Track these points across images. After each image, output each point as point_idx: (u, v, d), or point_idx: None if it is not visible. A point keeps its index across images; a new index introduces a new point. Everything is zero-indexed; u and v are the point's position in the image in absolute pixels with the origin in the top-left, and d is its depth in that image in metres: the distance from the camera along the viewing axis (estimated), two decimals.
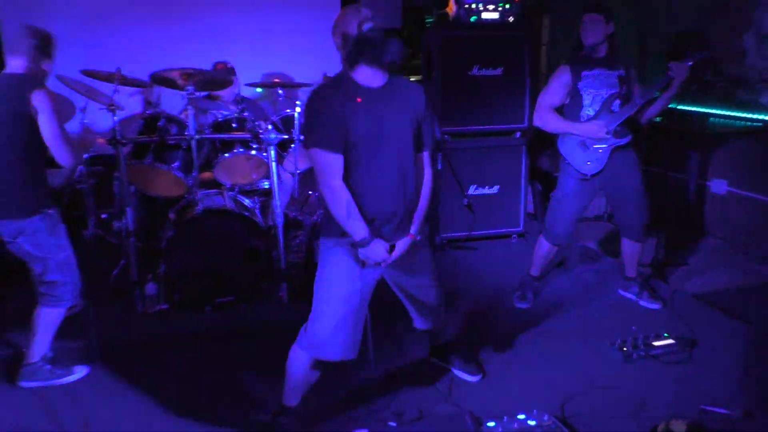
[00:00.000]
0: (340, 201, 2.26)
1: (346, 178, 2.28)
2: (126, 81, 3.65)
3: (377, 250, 2.32)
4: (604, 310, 3.64)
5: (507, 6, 4.40)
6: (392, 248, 2.38)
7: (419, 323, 2.80)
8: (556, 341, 3.30)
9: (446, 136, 4.48)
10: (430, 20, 4.84)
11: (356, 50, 2.23)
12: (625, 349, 3.07)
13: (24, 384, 2.86)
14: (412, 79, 5.03)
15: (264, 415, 2.66)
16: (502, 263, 4.42)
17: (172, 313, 3.49)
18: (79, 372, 2.97)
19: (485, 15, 4.38)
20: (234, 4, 4.67)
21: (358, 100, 2.24)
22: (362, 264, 2.37)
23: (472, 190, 4.62)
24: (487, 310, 3.70)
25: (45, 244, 2.75)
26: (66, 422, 2.66)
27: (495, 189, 4.68)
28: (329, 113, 2.23)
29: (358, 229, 2.28)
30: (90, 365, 3.01)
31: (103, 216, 4.21)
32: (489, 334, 3.38)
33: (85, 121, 3.87)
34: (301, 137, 3.83)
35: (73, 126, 4.30)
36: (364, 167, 2.29)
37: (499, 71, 4.49)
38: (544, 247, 3.67)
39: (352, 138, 2.23)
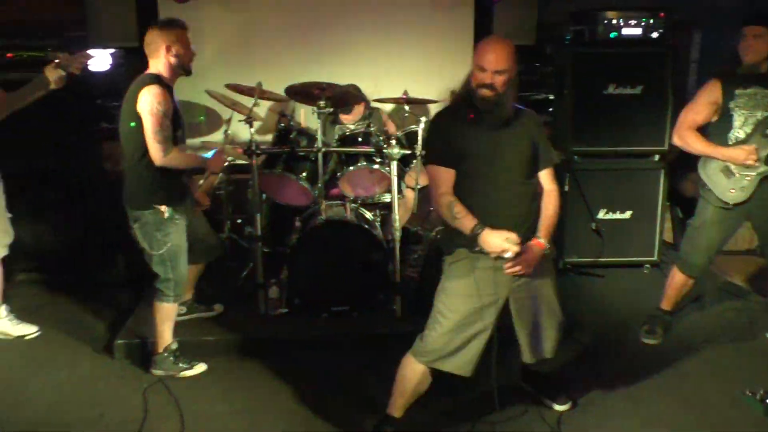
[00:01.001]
0: (447, 204, 2.39)
1: (460, 192, 2.42)
2: (264, 94, 3.88)
3: (492, 238, 2.31)
4: (745, 354, 3.29)
5: (651, 21, 4.15)
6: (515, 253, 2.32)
7: (528, 356, 2.66)
8: (686, 384, 3.03)
9: (575, 156, 4.30)
10: (568, 38, 4.68)
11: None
12: None
13: (153, 371, 3.12)
14: (541, 96, 4.96)
15: (368, 422, 2.69)
16: (631, 294, 4.14)
17: (291, 317, 3.63)
18: (200, 368, 3.18)
19: (626, 31, 4.16)
20: (366, 22, 4.81)
21: (470, 116, 2.40)
22: (481, 284, 2.41)
23: (601, 214, 4.38)
24: (610, 342, 3.48)
25: (150, 237, 2.97)
26: (185, 413, 2.86)
27: (627, 214, 4.40)
28: (446, 132, 2.46)
29: (466, 222, 2.35)
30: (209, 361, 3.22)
31: (238, 221, 4.49)
32: (609, 368, 3.18)
33: (228, 131, 4.17)
34: (423, 153, 3.86)
35: (217, 136, 4.71)
36: (478, 183, 2.42)
37: (638, 90, 4.23)
38: (677, 279, 3.38)
39: (466, 156, 2.40)
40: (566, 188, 4.26)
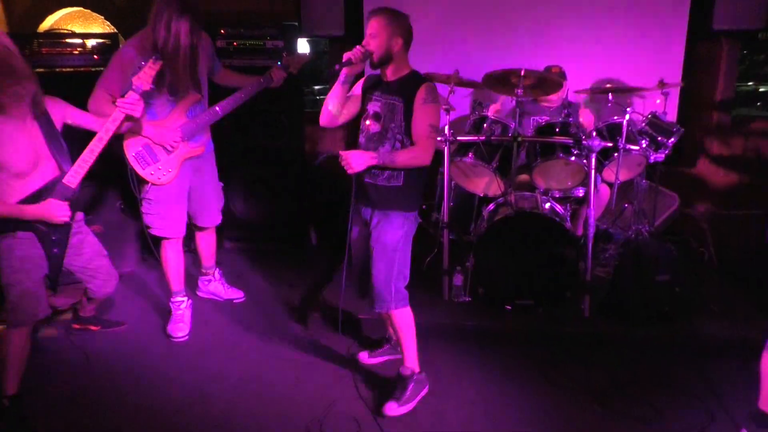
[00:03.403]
0: None
1: None
2: (461, 82, 3.89)
3: None
4: None
5: None
6: None
7: None
8: None
9: None
10: None
11: None
12: None
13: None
14: (762, 89, 4.39)
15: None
16: None
17: (474, 306, 3.63)
18: None
19: None
20: (569, 7, 4.59)
21: None
22: None
23: None
24: None
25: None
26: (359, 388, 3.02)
27: None
28: None
29: None
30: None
31: (423, 207, 4.57)
32: None
33: None
34: (628, 147, 3.62)
35: None
36: None
37: None
38: None
39: None
40: None
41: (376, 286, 2.78)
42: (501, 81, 3.70)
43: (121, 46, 3.70)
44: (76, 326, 3.51)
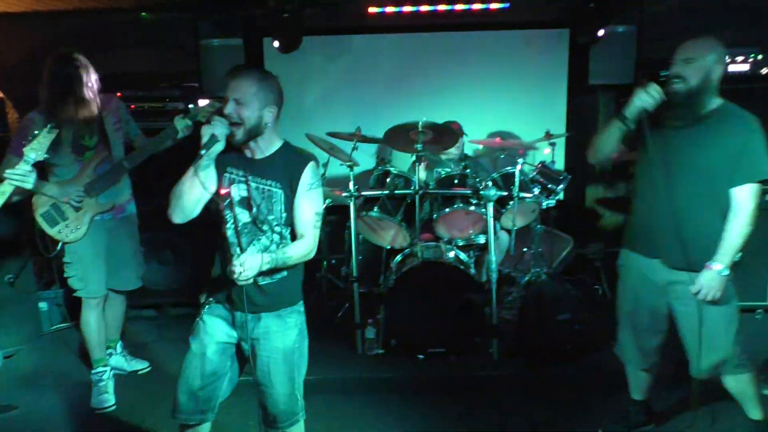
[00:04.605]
0: None
1: None
2: (364, 139, 4.01)
3: None
4: None
5: (759, 57, 3.99)
6: None
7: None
8: None
9: None
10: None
11: None
12: None
13: None
14: None
15: None
16: (744, 339, 3.88)
17: (387, 357, 3.67)
18: None
19: (733, 67, 4.02)
20: (465, 68, 4.90)
21: None
22: None
23: None
24: (723, 392, 3.27)
25: None
26: None
27: (737, 257, 4.16)
28: None
29: None
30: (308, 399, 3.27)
31: (333, 261, 4.61)
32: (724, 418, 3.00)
33: (325, 174, 4.33)
34: (521, 195, 3.84)
35: None
36: None
37: None
38: None
39: None
40: None
41: (281, 402, 2.36)
42: (401, 136, 3.86)
43: (7, 110, 3.58)
44: None
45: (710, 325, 2.58)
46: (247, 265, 2.11)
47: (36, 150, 2.69)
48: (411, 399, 3.37)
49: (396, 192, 3.84)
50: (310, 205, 2.25)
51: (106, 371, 3.41)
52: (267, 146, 2.26)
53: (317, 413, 3.22)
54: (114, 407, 3.34)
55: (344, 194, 3.74)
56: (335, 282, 4.53)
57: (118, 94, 4.20)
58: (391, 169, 4.01)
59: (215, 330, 2.35)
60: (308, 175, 2.24)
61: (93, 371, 3.41)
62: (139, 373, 3.73)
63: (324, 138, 4.28)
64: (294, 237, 2.28)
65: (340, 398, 3.36)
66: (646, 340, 2.80)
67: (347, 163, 3.82)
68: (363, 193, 3.82)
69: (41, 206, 3.16)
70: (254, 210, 2.24)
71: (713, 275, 2.49)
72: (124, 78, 4.57)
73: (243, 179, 2.25)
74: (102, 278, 3.36)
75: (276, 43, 4.50)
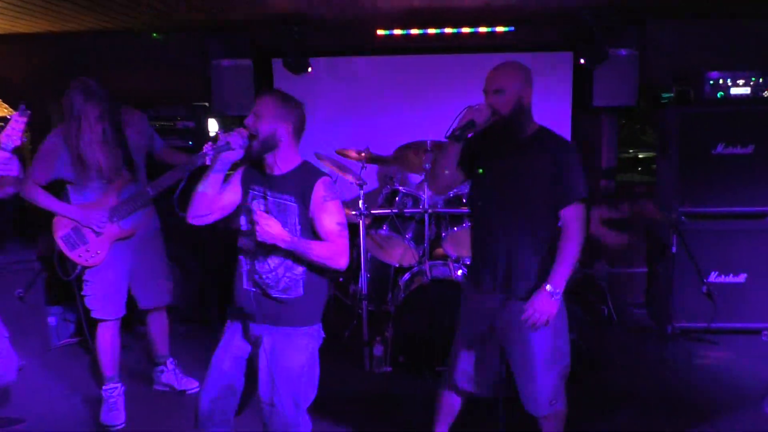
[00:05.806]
0: None
1: None
2: (373, 158, 4.07)
3: None
4: None
5: (760, 80, 4.07)
6: None
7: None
8: None
9: (683, 216, 4.20)
10: (667, 96, 4.65)
11: None
12: None
13: None
14: (641, 155, 4.91)
15: None
16: (748, 362, 3.92)
17: (395, 375, 3.68)
18: None
19: (734, 90, 4.10)
20: (473, 86, 4.96)
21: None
22: None
23: (713, 277, 4.22)
24: (727, 413, 3.30)
25: None
26: None
27: (741, 277, 4.22)
28: None
29: None
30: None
31: (341, 279, 4.64)
32: None
33: None
34: None
35: None
36: None
37: (749, 149, 4.13)
38: None
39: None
40: (674, 249, 4.17)
41: (281, 423, 2.34)
42: (410, 155, 3.92)
43: None
44: None
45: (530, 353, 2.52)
46: (271, 222, 2.19)
47: (11, 137, 2.57)
48: (419, 417, 3.38)
49: (405, 211, 3.90)
50: (329, 216, 2.29)
51: (116, 388, 3.40)
52: (285, 163, 2.34)
53: (324, 431, 3.24)
54: (123, 425, 3.32)
55: (353, 213, 3.79)
56: (342, 299, 4.56)
57: None
58: (400, 188, 4.07)
59: (232, 345, 2.41)
60: (321, 188, 2.29)
61: (104, 387, 3.39)
62: (188, 393, 3.61)
63: (333, 158, 4.35)
64: None
65: (347, 415, 3.36)
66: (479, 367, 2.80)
67: (357, 182, 3.88)
68: (373, 211, 3.87)
69: (61, 228, 3.17)
70: None
71: (546, 297, 2.38)
72: (135, 97, 4.65)
73: (262, 194, 2.35)
74: (122, 300, 3.36)
75: (284, 64, 4.58)
